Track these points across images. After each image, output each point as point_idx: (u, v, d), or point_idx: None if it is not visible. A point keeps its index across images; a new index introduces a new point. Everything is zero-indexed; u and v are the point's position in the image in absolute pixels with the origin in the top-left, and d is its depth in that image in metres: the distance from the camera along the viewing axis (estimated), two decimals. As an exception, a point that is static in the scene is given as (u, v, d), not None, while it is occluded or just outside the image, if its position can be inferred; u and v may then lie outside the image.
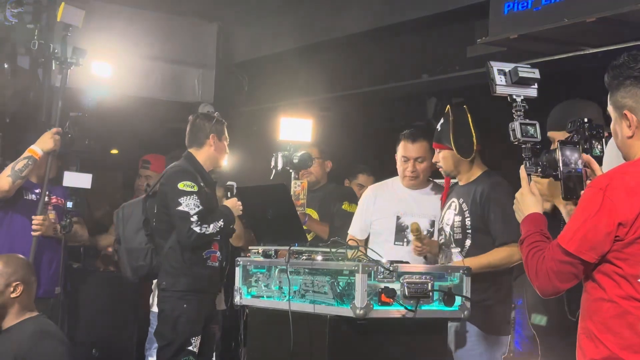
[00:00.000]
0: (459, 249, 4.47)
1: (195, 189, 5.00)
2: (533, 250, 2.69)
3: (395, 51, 7.40)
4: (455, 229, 4.51)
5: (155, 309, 5.93)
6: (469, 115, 4.52)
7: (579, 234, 2.57)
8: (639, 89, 2.64)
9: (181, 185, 5.00)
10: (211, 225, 4.98)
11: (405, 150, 4.87)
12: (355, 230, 5.01)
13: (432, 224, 4.86)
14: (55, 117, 5.22)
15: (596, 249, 2.56)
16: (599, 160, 3.01)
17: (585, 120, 3.19)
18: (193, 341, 4.98)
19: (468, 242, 4.44)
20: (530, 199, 2.88)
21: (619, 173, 2.62)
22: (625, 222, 2.53)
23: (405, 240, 4.82)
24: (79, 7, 6.93)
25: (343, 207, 5.86)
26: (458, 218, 4.49)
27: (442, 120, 4.59)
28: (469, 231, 4.44)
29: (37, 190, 5.38)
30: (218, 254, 5.12)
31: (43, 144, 5.17)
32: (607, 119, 2.85)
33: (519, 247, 2.79)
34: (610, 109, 2.73)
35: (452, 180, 4.72)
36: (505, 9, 5.66)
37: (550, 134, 4.33)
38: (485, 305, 4.09)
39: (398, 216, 4.84)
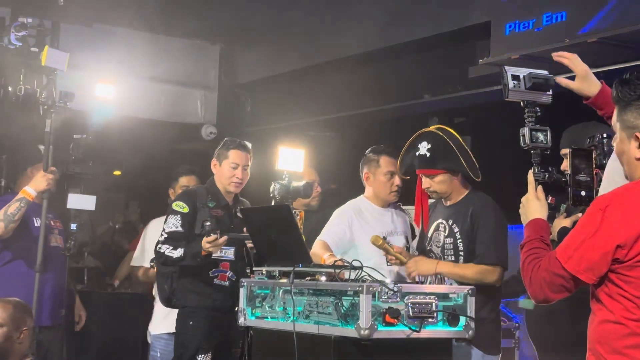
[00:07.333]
0: None
1: (185, 210, 5.07)
2: (530, 257, 2.70)
3: (397, 72, 7.43)
4: (446, 250, 4.47)
5: (155, 331, 5.93)
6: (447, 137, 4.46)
7: (577, 254, 2.56)
8: None
9: (174, 205, 5.12)
10: (178, 250, 4.96)
11: (391, 165, 4.85)
12: (328, 238, 4.77)
13: (407, 239, 4.90)
14: (46, 161, 5.23)
15: (593, 270, 2.55)
16: None
17: (605, 135, 3.17)
18: (199, 358, 5.00)
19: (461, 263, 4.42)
20: (535, 204, 2.88)
21: (620, 194, 2.59)
22: (623, 243, 2.50)
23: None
24: (83, 30, 6.93)
25: None
26: (449, 240, 4.46)
27: (427, 145, 4.45)
28: (462, 253, 4.40)
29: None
30: (229, 273, 5.13)
31: (37, 185, 5.20)
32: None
33: (520, 250, 2.78)
34: (617, 126, 2.67)
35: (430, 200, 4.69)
36: (507, 30, 5.71)
37: (563, 151, 4.34)
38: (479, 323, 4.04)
39: (384, 237, 4.72)
